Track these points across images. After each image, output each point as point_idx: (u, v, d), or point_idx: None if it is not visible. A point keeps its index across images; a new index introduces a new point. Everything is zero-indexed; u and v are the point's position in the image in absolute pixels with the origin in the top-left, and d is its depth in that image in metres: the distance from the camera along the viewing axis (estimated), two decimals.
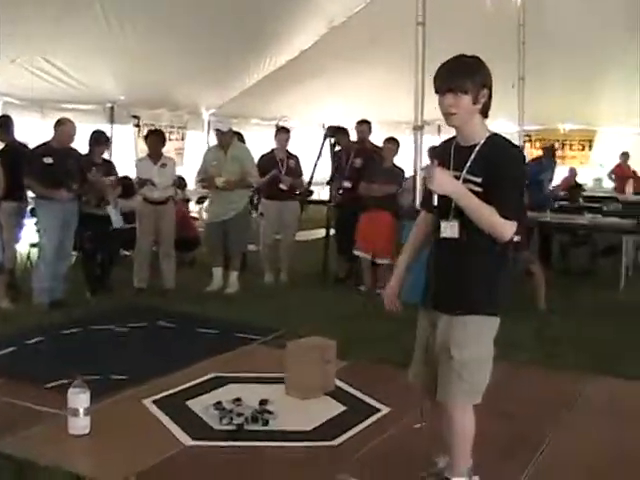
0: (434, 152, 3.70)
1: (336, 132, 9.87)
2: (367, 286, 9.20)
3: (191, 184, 13.24)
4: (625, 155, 17.10)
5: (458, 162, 3.50)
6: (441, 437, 3.83)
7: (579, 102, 16.67)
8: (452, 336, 3.50)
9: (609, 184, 17.16)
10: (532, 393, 5.57)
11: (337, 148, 9.87)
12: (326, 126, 10.87)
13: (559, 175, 16.21)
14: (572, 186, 13.16)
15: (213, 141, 10.39)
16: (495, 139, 3.49)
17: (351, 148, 9.91)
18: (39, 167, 7.82)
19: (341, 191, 9.90)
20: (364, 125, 10.11)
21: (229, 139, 8.96)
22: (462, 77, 3.40)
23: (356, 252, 9.26)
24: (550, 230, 10.60)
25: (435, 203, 3.49)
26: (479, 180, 3.40)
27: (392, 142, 9.45)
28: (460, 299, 3.52)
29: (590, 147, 19.27)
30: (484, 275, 3.50)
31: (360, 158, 9.71)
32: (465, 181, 3.43)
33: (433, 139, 15.38)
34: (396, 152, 9.35)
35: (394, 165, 9.31)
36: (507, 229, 3.37)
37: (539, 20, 13.03)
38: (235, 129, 9.69)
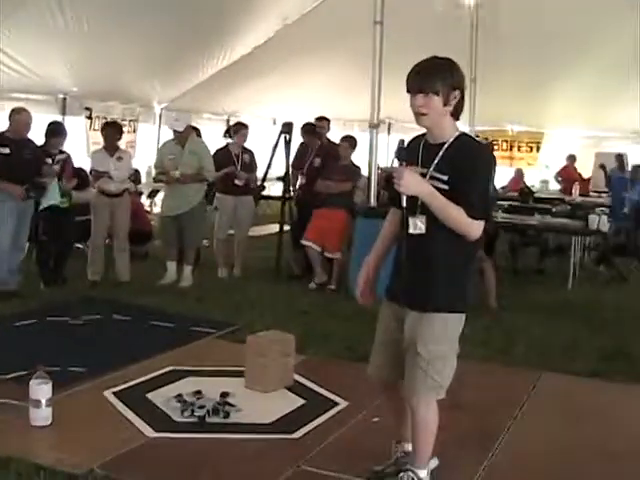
0: (403, 150, 3.73)
1: (306, 129, 9.99)
2: (319, 279, 9.23)
3: (143, 177, 13.22)
4: (572, 157, 17.46)
5: (426, 159, 3.54)
6: (397, 427, 3.97)
7: (528, 104, 16.93)
8: (420, 333, 3.55)
9: (555, 186, 17.47)
10: (487, 388, 5.68)
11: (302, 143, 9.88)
12: (277, 122, 10.88)
13: (506, 176, 16.57)
14: (524, 190, 13.35)
15: (164, 135, 10.31)
16: (463, 139, 3.55)
17: (314, 146, 9.94)
18: None
19: (296, 186, 10.01)
20: (323, 122, 10.15)
21: (187, 134, 8.96)
22: (433, 78, 3.45)
23: (304, 242, 9.28)
24: (497, 230, 10.72)
25: (404, 204, 3.53)
26: (445, 178, 3.45)
27: (347, 140, 9.52)
28: (429, 296, 3.55)
29: (538, 149, 19.56)
30: (452, 272, 3.55)
31: (320, 158, 9.75)
32: (432, 178, 3.47)
33: (383, 138, 15.58)
34: (352, 150, 9.40)
35: (352, 163, 9.38)
36: (473, 229, 3.43)
37: (493, 22, 13.21)
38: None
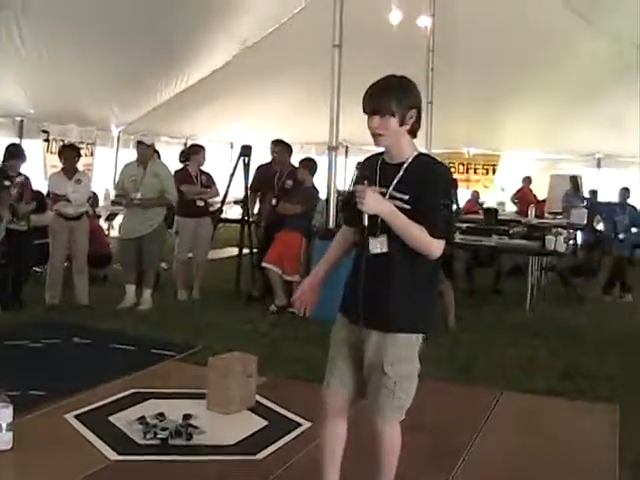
0: (364, 169, 3.72)
1: (283, 150, 9.95)
2: (279, 301, 9.19)
3: (101, 200, 13.14)
4: (527, 179, 17.70)
5: (384, 179, 3.52)
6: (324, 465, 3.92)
7: (484, 127, 17.15)
8: (385, 354, 3.51)
9: (511, 208, 17.66)
10: (448, 407, 5.74)
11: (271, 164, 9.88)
12: (234, 145, 10.86)
13: (463, 198, 16.77)
14: (489, 210, 13.46)
15: (122, 158, 10.25)
16: (422, 158, 3.54)
17: (286, 166, 9.90)
18: None
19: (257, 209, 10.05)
20: (279, 145, 10.14)
21: (150, 154, 8.99)
22: (388, 99, 3.44)
23: (264, 264, 9.28)
24: (452, 250, 10.76)
25: (365, 223, 3.48)
26: (406, 197, 3.42)
27: (304, 162, 9.56)
28: (390, 316, 3.51)
29: (494, 171, 19.75)
30: (413, 292, 3.51)
31: (292, 179, 9.68)
32: (391, 197, 3.45)
33: (340, 160, 15.66)
34: (310, 172, 9.42)
35: (313, 186, 9.41)
36: (434, 248, 3.41)
37: (449, 46, 13.40)
38: None
